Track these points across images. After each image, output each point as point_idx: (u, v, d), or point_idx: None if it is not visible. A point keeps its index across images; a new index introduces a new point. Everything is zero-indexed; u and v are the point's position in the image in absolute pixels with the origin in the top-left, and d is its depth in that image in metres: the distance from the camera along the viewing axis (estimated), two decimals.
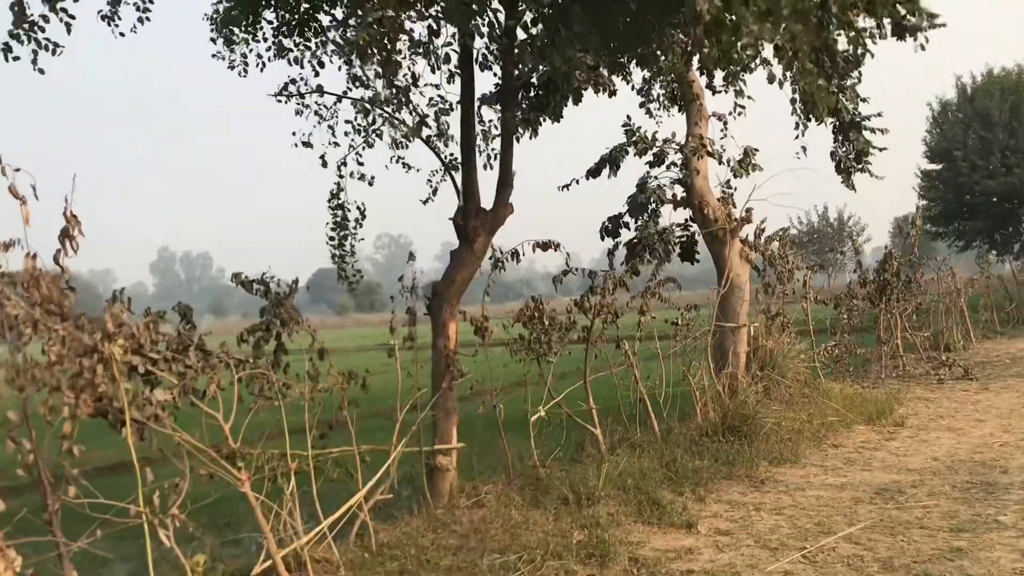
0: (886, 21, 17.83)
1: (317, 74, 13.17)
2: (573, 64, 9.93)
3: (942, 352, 23.31)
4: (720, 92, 16.63)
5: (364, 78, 9.88)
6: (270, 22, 14.53)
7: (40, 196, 5.26)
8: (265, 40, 14.64)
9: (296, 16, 14.68)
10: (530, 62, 12.28)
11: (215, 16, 14.20)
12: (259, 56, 14.81)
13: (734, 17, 8.43)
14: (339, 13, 14.27)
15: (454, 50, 10.54)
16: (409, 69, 10.77)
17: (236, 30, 14.25)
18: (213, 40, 14.23)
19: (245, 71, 15.04)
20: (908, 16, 17.36)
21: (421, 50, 10.73)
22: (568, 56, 9.16)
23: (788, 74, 11.39)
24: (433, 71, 10.70)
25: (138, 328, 5.95)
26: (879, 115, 18.18)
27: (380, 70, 9.74)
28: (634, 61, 14.78)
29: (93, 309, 5.87)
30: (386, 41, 9.36)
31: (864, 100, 18.07)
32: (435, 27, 10.54)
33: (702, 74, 17.13)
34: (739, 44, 8.19)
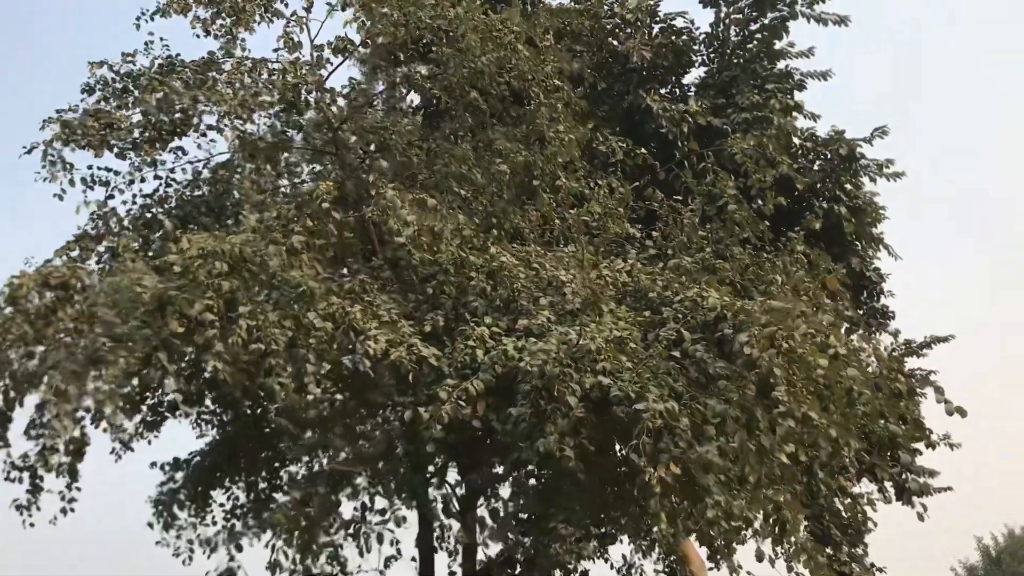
0: (888, 484, 16.87)
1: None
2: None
3: None
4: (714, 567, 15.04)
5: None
6: (221, 504, 13.56)
7: None
8: (214, 523, 13.56)
9: (252, 496, 13.75)
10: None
11: (160, 498, 13.19)
12: (207, 542, 13.59)
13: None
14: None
15: (388, 530, 9.32)
16: (335, 543, 9.47)
17: (181, 513, 13.18)
18: (151, 525, 13.04)
19: (191, 559, 13.71)
20: (912, 479, 16.46)
21: (352, 530, 9.52)
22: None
23: (779, 550, 9.87)
24: (361, 554, 9.37)
25: None
26: None
27: (300, 555, 8.47)
28: (622, 534, 13.59)
29: None
30: (304, 522, 8.20)
31: (881, 570, 16.57)
32: (369, 504, 9.44)
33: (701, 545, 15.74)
34: (707, 515, 6.97)
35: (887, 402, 8.31)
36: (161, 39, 12.14)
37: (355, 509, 9.70)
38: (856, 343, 8.88)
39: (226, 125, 11.07)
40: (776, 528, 9.02)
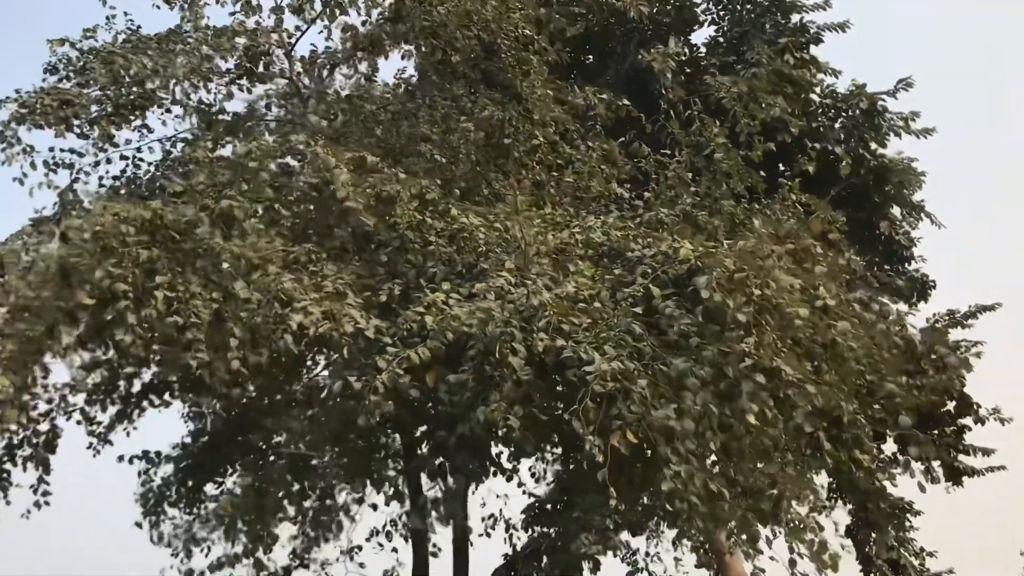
0: (936, 464, 15.73)
1: None
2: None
3: None
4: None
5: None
6: (214, 498, 12.97)
7: None
8: (208, 521, 12.96)
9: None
10: None
11: (148, 495, 12.64)
12: (203, 539, 12.98)
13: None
14: None
15: (350, 517, 8.53)
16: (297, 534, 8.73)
17: (171, 510, 12.60)
18: (139, 525, 12.46)
19: (188, 556, 13.14)
20: (961, 454, 15.32)
21: (311, 518, 8.77)
22: None
23: (779, 530, 8.76)
24: (318, 543, 8.62)
25: None
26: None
27: (251, 545, 7.78)
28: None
29: None
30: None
31: (931, 554, 15.65)
32: (329, 490, 8.67)
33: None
34: (663, 488, 6.07)
35: (888, 361, 7.29)
36: (125, 14, 11.63)
37: (313, 494, 8.96)
38: (856, 297, 7.86)
39: (181, 96, 10.46)
40: (773, 505, 8.06)
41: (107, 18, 11.42)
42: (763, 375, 6.26)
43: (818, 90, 15.15)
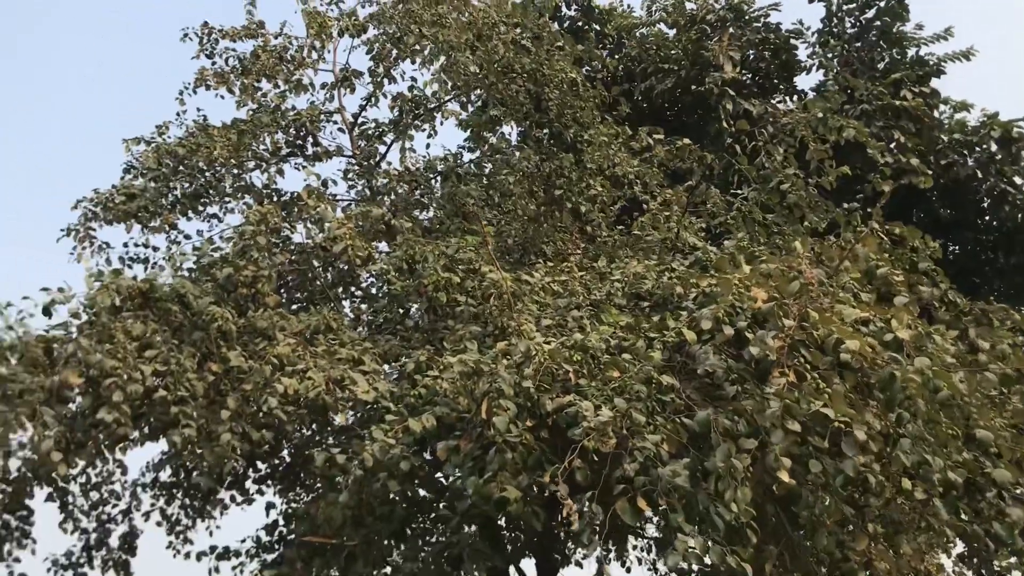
0: None
1: None
2: None
3: None
4: None
5: None
6: None
7: None
8: None
9: None
10: None
11: None
12: None
13: None
14: None
15: None
16: None
17: None
18: None
19: None
20: None
21: None
22: None
23: None
24: None
25: None
26: None
27: None
28: None
29: None
30: None
31: None
32: None
33: None
34: (668, 562, 4.89)
35: (984, 411, 5.76)
36: (198, 109, 11.87)
37: None
38: (951, 334, 6.41)
39: (233, 180, 10.32)
40: None
41: (177, 113, 11.67)
42: (794, 421, 5.05)
43: (946, 125, 13.72)
